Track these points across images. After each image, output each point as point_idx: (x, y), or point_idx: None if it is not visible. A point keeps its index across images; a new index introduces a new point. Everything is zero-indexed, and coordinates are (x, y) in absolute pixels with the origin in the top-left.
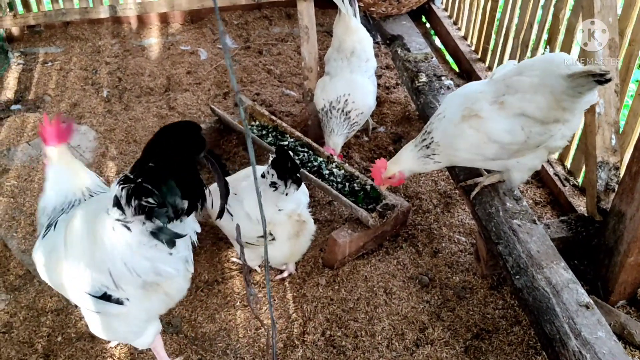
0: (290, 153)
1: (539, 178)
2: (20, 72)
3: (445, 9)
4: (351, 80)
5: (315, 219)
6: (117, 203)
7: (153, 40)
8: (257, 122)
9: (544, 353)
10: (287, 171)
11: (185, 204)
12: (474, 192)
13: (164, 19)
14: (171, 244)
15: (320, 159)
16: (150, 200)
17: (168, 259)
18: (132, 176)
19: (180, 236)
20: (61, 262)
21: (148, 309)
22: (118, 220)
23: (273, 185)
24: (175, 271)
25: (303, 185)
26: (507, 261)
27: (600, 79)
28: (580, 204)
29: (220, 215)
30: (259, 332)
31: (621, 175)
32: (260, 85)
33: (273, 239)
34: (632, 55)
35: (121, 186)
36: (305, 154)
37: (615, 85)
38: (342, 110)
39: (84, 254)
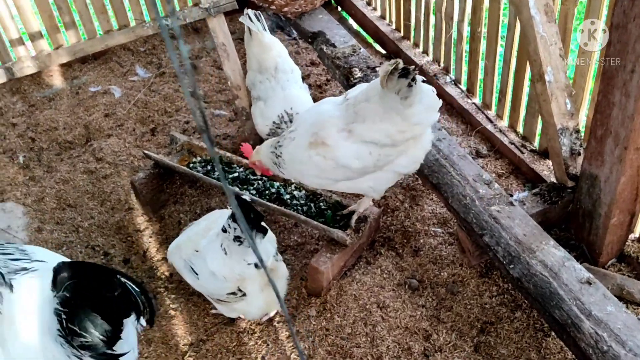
0: (247, 198)
1: (496, 149)
2: None
3: None
4: (287, 97)
5: (286, 245)
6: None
7: (57, 87)
8: (199, 158)
9: (559, 339)
10: (251, 222)
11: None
12: (353, 221)
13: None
14: None
15: (277, 184)
16: (82, 340)
17: None
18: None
19: (119, 356)
20: None
21: None
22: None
23: (237, 239)
24: None
25: (270, 232)
26: (496, 252)
27: (402, 72)
28: (543, 168)
29: None
30: None
31: (583, 137)
32: (187, 111)
33: (244, 295)
34: (567, 14)
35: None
36: (260, 182)
37: (560, 50)
38: (291, 121)
39: None
